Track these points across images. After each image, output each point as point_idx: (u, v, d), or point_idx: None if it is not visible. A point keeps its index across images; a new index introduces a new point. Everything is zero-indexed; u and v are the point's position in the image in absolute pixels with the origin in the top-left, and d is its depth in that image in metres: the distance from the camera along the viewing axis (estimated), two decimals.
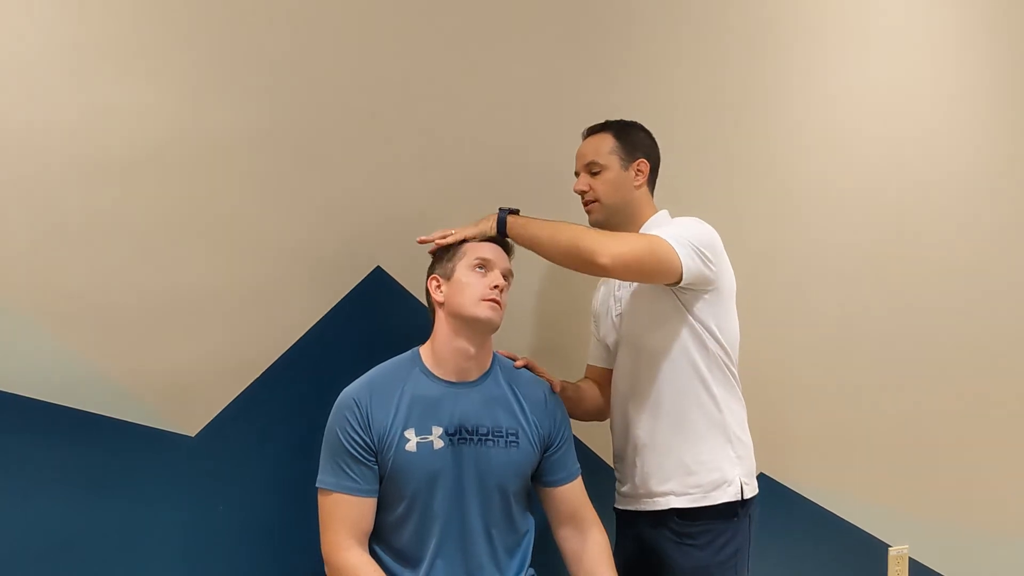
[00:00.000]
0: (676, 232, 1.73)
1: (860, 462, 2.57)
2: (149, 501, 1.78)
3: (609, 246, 1.66)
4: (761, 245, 2.42)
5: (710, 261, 1.75)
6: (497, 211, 1.77)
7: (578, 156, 1.93)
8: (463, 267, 1.70)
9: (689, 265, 1.70)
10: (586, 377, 2.03)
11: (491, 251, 1.73)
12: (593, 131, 1.93)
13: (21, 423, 1.68)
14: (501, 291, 1.69)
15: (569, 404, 1.86)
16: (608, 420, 1.99)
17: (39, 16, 1.71)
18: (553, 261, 1.75)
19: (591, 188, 1.88)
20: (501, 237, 1.76)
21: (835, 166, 2.54)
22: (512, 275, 1.75)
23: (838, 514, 2.53)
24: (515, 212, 1.78)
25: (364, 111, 1.98)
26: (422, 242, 1.77)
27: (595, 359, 2.02)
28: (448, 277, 1.71)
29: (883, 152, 2.61)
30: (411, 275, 1.98)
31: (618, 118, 1.95)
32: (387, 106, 2.00)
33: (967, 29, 2.76)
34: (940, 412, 2.68)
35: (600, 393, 1.99)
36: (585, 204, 1.90)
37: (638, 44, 2.29)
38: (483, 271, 1.70)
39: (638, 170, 1.89)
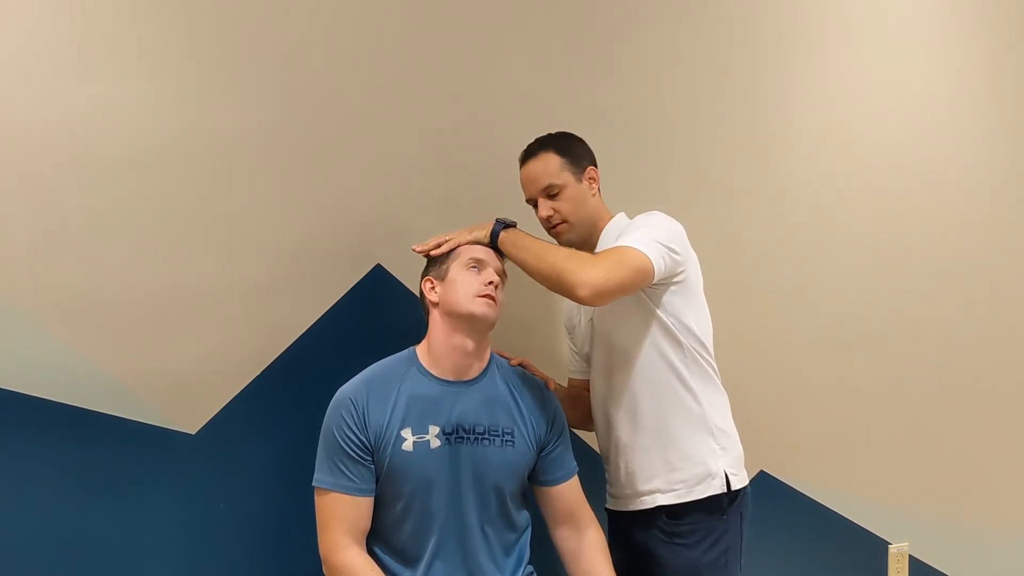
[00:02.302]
0: (642, 236, 1.71)
1: (860, 460, 2.56)
2: (150, 499, 1.79)
3: (589, 278, 1.62)
4: (761, 244, 2.42)
5: (676, 252, 1.74)
6: (494, 221, 1.77)
7: (527, 182, 1.86)
8: (457, 267, 1.71)
9: (660, 265, 1.69)
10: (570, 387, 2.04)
11: (484, 252, 1.74)
12: (532, 154, 1.86)
13: (22, 420, 1.70)
14: (496, 288, 1.70)
15: (563, 406, 1.86)
16: None
17: (41, 15, 1.72)
18: (540, 283, 1.73)
19: (556, 211, 1.83)
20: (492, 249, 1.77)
21: (835, 166, 2.53)
22: (506, 275, 1.76)
23: (838, 512, 2.53)
24: (512, 225, 1.77)
25: (365, 110, 1.98)
26: (418, 251, 1.78)
27: (576, 372, 2.03)
28: (442, 278, 1.72)
29: (883, 151, 2.60)
30: (411, 272, 1.98)
31: (547, 132, 1.89)
32: (388, 105, 2.00)
33: (967, 28, 2.74)
34: (941, 410, 2.67)
35: (586, 402, 1.98)
36: (553, 228, 1.85)
37: (638, 44, 2.28)
38: (477, 270, 1.71)
39: (590, 178, 1.87)
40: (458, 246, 1.75)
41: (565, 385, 2.00)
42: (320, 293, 1.95)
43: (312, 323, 1.94)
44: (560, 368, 2.04)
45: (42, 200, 1.71)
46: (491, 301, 1.68)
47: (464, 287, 1.68)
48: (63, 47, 1.73)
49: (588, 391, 1.97)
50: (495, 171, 2.10)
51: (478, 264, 1.71)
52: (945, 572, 2.69)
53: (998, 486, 2.75)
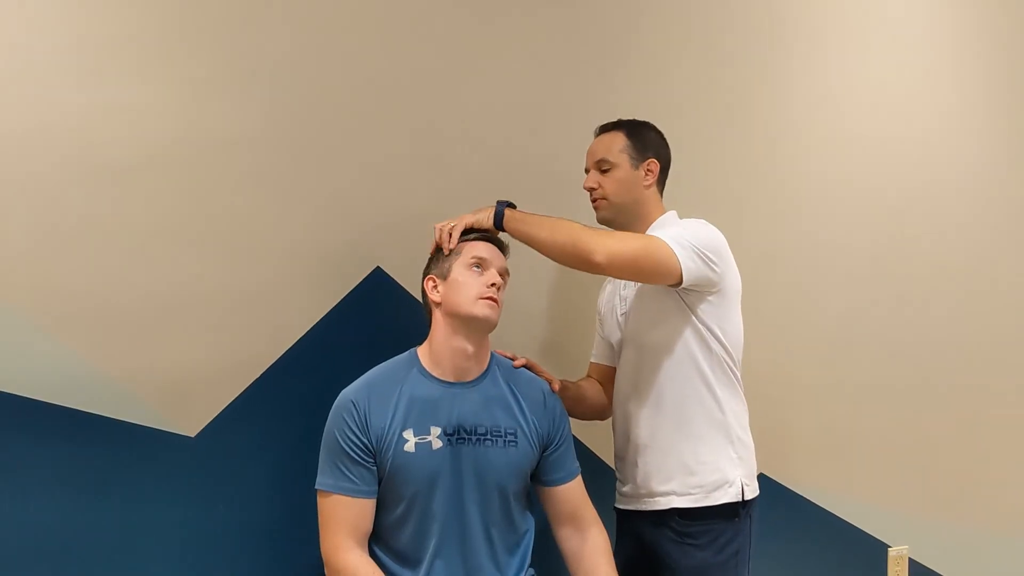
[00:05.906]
0: (677, 233, 1.74)
1: (860, 462, 2.57)
2: (149, 502, 1.78)
3: (606, 244, 1.68)
4: (762, 245, 2.42)
5: (713, 263, 1.75)
6: (495, 204, 1.78)
7: (589, 153, 1.94)
8: (459, 266, 1.70)
9: (689, 267, 1.71)
10: (588, 375, 2.04)
11: (487, 250, 1.73)
12: (605, 129, 1.94)
13: (20, 423, 1.68)
14: (498, 289, 1.69)
15: (570, 403, 1.86)
16: (609, 419, 1.99)
17: (40, 16, 1.71)
18: (549, 257, 1.76)
19: (600, 186, 1.89)
20: (497, 230, 1.76)
21: (836, 166, 2.54)
22: (508, 274, 1.75)
23: (838, 514, 2.53)
24: (512, 206, 1.79)
25: (364, 111, 1.98)
26: (438, 246, 1.74)
27: (598, 356, 2.03)
28: (444, 277, 1.71)
29: (884, 152, 2.61)
30: (411, 275, 1.97)
31: (629, 117, 1.95)
32: (387, 106, 2.00)
33: (967, 29, 2.76)
34: (940, 412, 2.68)
35: (602, 391, 2.00)
36: (593, 201, 1.91)
37: (639, 43, 2.29)
38: (480, 270, 1.69)
39: (648, 170, 1.90)
40: (465, 228, 1.73)
41: (574, 380, 1.99)
42: (320, 296, 1.94)
43: (312, 326, 1.93)
44: (566, 367, 2.03)
45: (39, 202, 1.70)
46: (493, 303, 1.67)
47: (466, 288, 1.67)
48: (61, 49, 1.72)
49: (604, 379, 1.98)
50: (496, 172, 2.10)
51: (481, 263, 1.70)
52: (944, 575, 2.68)
53: (998, 488, 2.76)
